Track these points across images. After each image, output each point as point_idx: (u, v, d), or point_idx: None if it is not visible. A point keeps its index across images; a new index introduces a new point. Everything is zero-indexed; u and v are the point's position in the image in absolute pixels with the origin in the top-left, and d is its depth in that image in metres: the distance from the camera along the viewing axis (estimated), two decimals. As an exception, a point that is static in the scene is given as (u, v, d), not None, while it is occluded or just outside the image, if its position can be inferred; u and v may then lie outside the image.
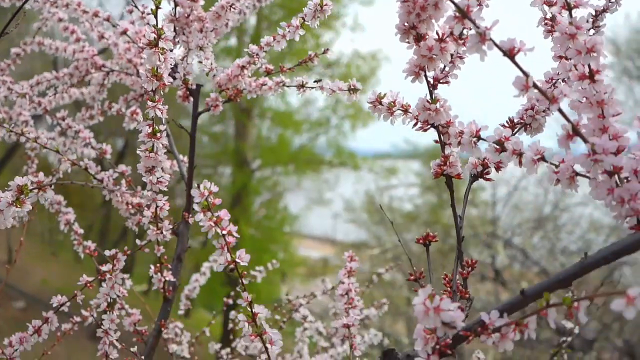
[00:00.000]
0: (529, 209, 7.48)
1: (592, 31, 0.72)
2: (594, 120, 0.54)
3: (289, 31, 0.89)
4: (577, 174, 0.55)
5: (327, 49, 1.00)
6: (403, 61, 0.63)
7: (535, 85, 0.51)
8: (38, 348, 1.00)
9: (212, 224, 0.62)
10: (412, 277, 0.61)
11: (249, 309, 0.65)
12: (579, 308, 0.45)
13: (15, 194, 0.67)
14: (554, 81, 0.70)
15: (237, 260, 0.63)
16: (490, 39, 0.50)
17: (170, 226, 0.91)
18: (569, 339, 1.09)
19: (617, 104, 0.54)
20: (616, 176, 0.53)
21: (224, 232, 0.62)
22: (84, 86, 1.43)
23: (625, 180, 0.52)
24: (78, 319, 1.13)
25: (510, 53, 0.51)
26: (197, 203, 0.61)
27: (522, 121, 0.69)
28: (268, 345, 0.65)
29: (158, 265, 0.96)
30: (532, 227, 6.68)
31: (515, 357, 6.43)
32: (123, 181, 1.05)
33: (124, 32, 1.03)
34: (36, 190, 0.67)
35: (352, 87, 0.84)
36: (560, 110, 0.51)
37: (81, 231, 1.11)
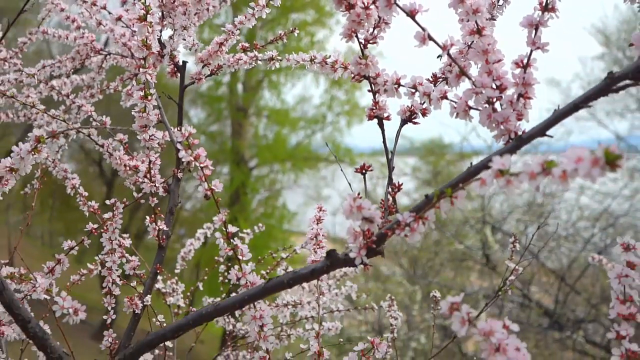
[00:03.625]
0: (523, 197, 7.65)
1: (501, 1, 0.89)
2: (483, 65, 0.70)
3: (257, 10, 1.05)
4: (470, 107, 0.71)
5: (295, 29, 1.16)
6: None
7: (430, 37, 0.67)
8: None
9: (193, 159, 0.78)
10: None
11: (224, 229, 0.81)
12: (458, 197, 0.62)
13: (33, 143, 0.83)
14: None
15: (213, 187, 0.79)
16: (395, 3, 0.66)
17: (162, 180, 1.08)
18: (513, 277, 1.24)
19: (499, 52, 0.70)
20: (497, 105, 0.69)
21: (202, 165, 0.78)
22: (84, 73, 1.59)
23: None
24: (84, 271, 1.29)
25: (412, 14, 0.67)
26: (179, 142, 0.77)
27: (443, 75, 0.85)
28: (240, 257, 0.81)
29: (153, 216, 1.12)
30: (524, 212, 6.84)
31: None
32: (121, 147, 1.21)
33: (119, 19, 1.19)
34: (50, 139, 0.83)
35: (312, 58, 1.00)
36: (449, 55, 0.68)
37: (86, 194, 1.26)
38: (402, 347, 6.19)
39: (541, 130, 0.63)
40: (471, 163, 0.67)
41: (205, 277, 1.56)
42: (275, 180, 12.66)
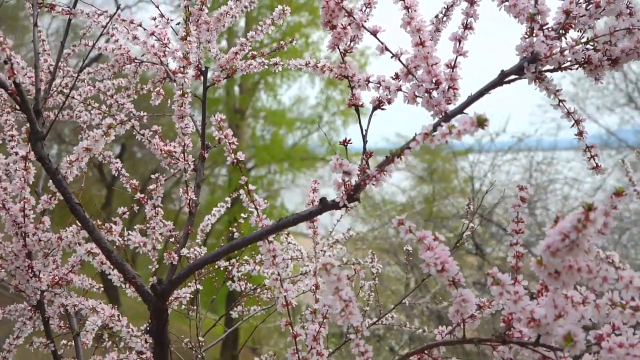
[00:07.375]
0: (513, 189, 7.98)
1: (445, 17, 1.20)
2: (425, 67, 1.02)
3: (265, 27, 1.37)
4: (416, 96, 1.03)
5: (293, 39, 1.48)
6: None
7: (386, 48, 0.99)
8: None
9: (223, 137, 1.10)
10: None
11: (246, 187, 1.13)
12: (405, 154, 0.93)
13: (105, 129, 1.15)
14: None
15: (238, 157, 1.11)
16: (363, 26, 0.98)
17: (193, 159, 1.39)
18: (469, 233, 1.56)
19: (436, 58, 1.02)
20: (434, 94, 1.01)
21: (230, 141, 1.10)
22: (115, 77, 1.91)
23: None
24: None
25: (374, 32, 0.99)
26: (213, 125, 1.09)
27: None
28: (258, 207, 1.13)
29: (185, 188, 1.44)
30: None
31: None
32: (157, 135, 1.52)
33: (152, 34, 1.50)
34: (120, 124, 1.15)
35: (307, 62, 1.32)
36: (400, 60, 1.00)
37: (127, 175, 1.58)
38: (397, 332, 6.50)
39: (460, 109, 0.95)
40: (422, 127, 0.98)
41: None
42: (273, 180, 12.96)
